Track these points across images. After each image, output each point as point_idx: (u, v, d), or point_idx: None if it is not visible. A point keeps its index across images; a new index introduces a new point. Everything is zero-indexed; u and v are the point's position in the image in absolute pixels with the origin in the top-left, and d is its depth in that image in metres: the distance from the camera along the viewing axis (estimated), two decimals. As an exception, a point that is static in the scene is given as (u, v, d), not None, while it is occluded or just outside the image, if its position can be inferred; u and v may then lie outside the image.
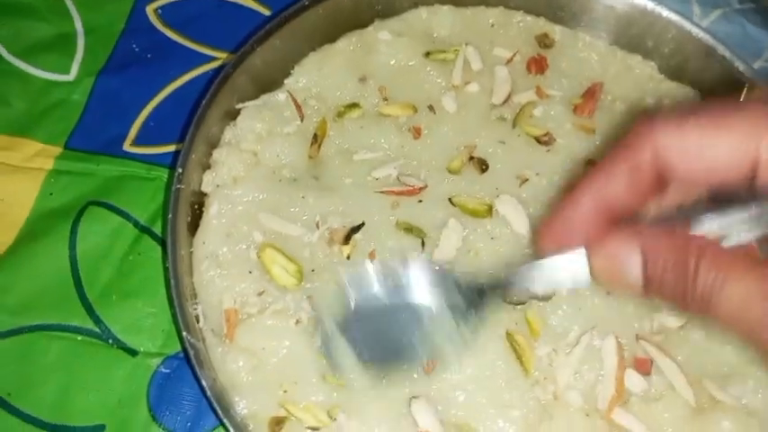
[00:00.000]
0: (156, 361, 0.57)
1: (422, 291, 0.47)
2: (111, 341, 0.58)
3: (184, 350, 0.54)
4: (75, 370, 0.56)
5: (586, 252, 0.38)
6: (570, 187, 0.39)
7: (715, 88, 0.65)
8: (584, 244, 0.38)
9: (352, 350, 0.48)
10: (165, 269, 0.52)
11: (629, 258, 0.36)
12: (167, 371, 0.56)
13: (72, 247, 0.61)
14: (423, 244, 0.56)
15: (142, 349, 0.57)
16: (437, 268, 0.48)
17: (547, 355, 0.52)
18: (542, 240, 0.41)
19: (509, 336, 0.52)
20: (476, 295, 0.45)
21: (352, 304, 0.48)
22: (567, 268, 0.39)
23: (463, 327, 0.46)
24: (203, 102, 0.58)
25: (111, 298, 0.59)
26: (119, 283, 0.60)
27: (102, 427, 0.55)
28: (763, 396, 0.52)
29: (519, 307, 0.53)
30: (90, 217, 0.62)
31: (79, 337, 0.58)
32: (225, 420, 0.46)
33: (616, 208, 0.38)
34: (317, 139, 0.61)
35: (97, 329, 0.58)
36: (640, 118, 0.36)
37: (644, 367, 0.52)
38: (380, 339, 0.48)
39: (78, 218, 0.62)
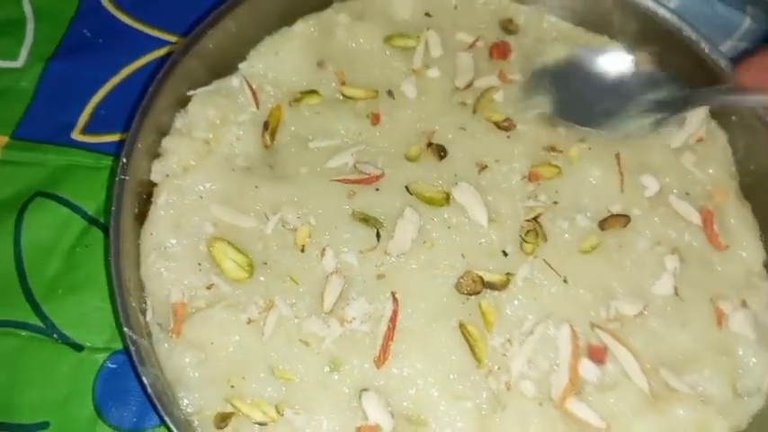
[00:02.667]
0: (103, 356, 0.56)
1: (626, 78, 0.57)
2: (56, 336, 0.57)
3: (125, 346, 0.52)
4: (19, 366, 0.55)
5: None
6: None
7: (682, 69, 0.63)
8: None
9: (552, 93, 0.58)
10: (107, 262, 0.50)
11: None
12: (114, 366, 0.56)
13: (17, 240, 0.59)
14: (378, 235, 0.55)
15: (88, 344, 0.56)
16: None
17: (501, 345, 0.52)
18: (742, 80, 0.52)
19: (462, 326, 0.51)
20: (677, 99, 0.54)
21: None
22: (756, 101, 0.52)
23: (650, 117, 0.55)
24: (150, 89, 0.56)
25: (57, 292, 0.58)
26: (65, 277, 0.58)
27: (47, 423, 0.54)
28: (719, 384, 0.52)
29: (472, 297, 0.52)
30: (36, 209, 0.61)
31: (23, 333, 0.56)
32: (166, 419, 0.45)
33: None
34: (268, 127, 0.59)
35: (42, 324, 0.57)
36: None
37: (598, 355, 0.52)
38: (578, 95, 0.57)
39: (24, 210, 0.61)
